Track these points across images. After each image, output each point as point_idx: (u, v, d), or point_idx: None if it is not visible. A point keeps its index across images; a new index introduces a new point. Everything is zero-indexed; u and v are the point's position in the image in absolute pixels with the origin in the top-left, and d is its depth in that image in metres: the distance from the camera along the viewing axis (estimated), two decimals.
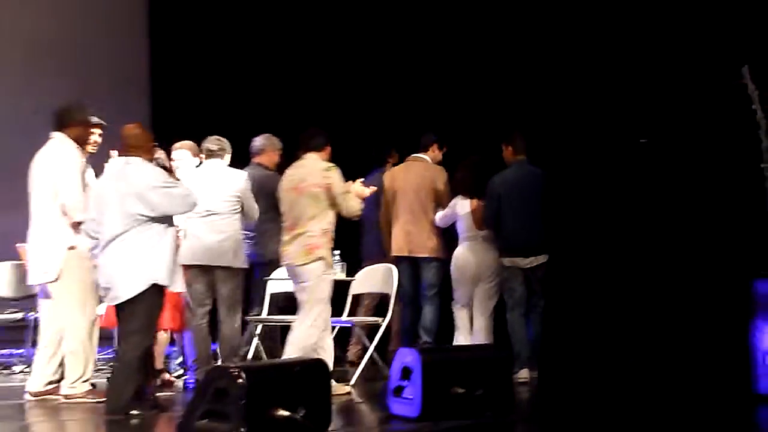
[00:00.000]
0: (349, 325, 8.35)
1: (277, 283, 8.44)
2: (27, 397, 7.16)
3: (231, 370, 5.38)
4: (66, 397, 7.06)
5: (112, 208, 6.51)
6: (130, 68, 12.27)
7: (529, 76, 10.31)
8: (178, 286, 7.30)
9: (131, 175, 6.54)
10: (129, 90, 12.16)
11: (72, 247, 7.07)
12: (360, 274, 8.51)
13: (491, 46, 10.61)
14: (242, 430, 5.21)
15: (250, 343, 8.41)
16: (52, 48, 12.10)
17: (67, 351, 7.07)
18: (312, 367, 5.83)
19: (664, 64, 9.52)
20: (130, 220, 6.47)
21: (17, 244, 8.79)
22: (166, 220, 6.60)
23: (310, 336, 6.98)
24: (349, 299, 8.47)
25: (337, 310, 7.74)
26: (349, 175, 7.31)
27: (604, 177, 9.76)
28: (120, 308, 6.60)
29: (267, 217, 7.98)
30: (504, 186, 8.22)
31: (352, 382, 7.69)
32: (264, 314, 8.53)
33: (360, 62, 11.26)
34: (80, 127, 7.32)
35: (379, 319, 8.09)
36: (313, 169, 7.18)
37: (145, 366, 6.65)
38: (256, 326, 8.48)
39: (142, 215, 6.47)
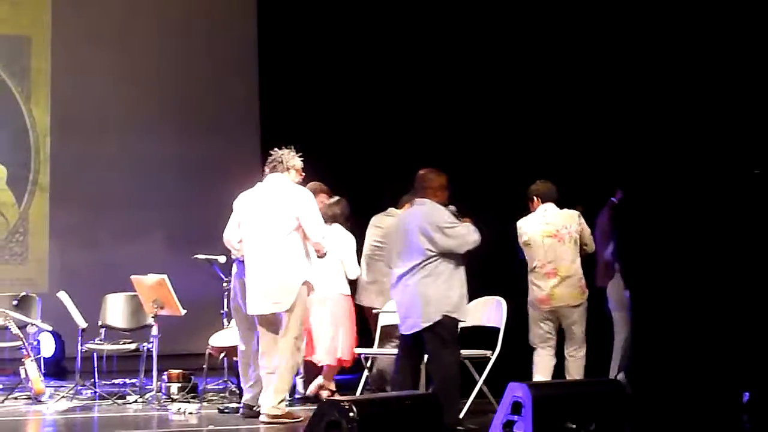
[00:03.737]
0: None
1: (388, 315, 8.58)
2: (263, 419, 7.46)
3: (342, 404, 5.47)
4: (269, 416, 7.39)
5: (405, 244, 7.05)
6: (241, 105, 12.55)
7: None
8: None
9: (422, 214, 7.01)
10: (239, 125, 12.49)
11: (305, 282, 7.49)
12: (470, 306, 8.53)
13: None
14: None
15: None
16: (164, 87, 12.49)
17: (278, 373, 7.45)
18: (423, 400, 5.91)
19: None
20: (422, 255, 6.95)
21: (132, 276, 9.04)
22: (456, 256, 7.02)
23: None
24: None
25: None
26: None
27: (715, 209, 9.60)
28: (420, 335, 7.06)
29: None
30: None
31: (461, 415, 7.69)
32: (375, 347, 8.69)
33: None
34: (296, 171, 7.77)
35: (488, 352, 8.09)
36: (568, 216, 7.98)
37: None
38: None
39: (431, 251, 6.93)
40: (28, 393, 8.80)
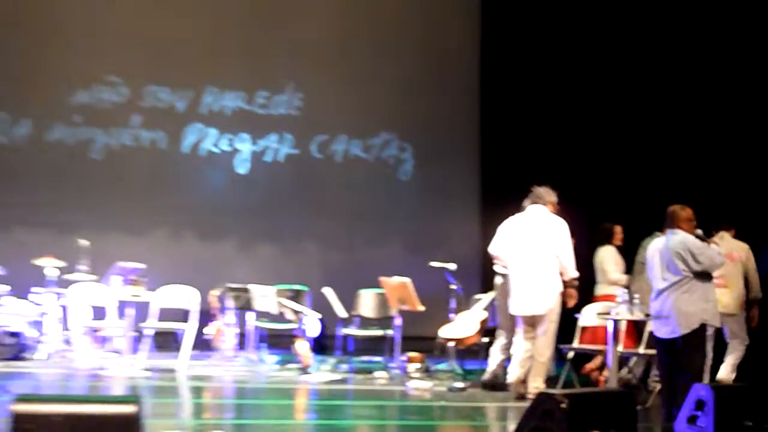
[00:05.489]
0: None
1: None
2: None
3: (556, 396, 5.48)
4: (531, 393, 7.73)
5: (665, 265, 7.20)
6: (463, 137, 12.22)
7: None
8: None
9: (678, 242, 7.17)
10: (462, 153, 12.19)
11: (561, 293, 8.00)
12: None
13: None
14: None
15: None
16: (391, 115, 12.29)
17: (539, 360, 7.87)
18: (620, 396, 5.88)
19: None
20: (679, 275, 7.12)
21: (380, 277, 9.30)
22: (706, 275, 7.16)
23: None
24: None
25: None
26: None
27: None
28: (675, 341, 7.18)
29: None
30: None
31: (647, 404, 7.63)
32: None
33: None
34: (552, 204, 8.21)
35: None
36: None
37: None
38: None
39: (686, 271, 7.10)
40: (299, 365, 9.15)
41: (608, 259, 9.10)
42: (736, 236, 8.67)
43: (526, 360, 7.95)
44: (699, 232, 7.33)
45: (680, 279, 7.11)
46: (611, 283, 8.91)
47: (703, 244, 7.22)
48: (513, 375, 7.99)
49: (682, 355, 7.18)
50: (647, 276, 7.58)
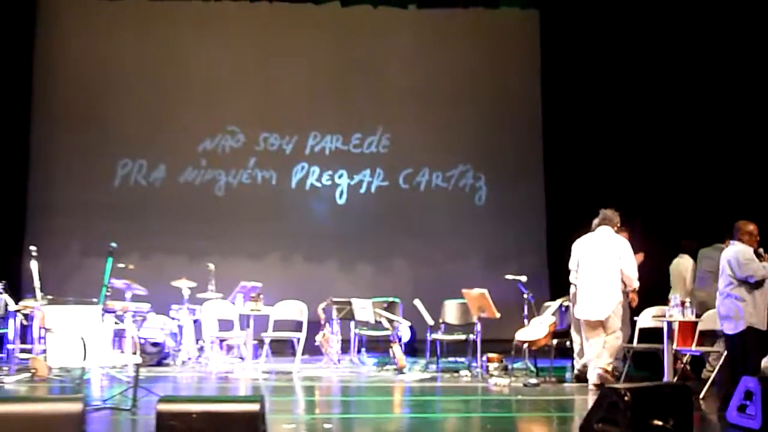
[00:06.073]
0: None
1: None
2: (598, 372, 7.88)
3: (620, 390, 5.41)
4: (600, 374, 7.85)
5: (722, 272, 7.20)
6: (529, 162, 12.09)
7: None
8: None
9: (734, 252, 7.14)
10: (527, 176, 12.04)
11: (619, 301, 8.03)
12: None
13: None
14: None
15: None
16: (467, 150, 12.21)
17: (607, 348, 7.94)
18: (678, 389, 5.75)
19: None
20: (729, 281, 7.09)
21: (462, 289, 9.27)
22: (759, 283, 7.04)
23: None
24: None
25: None
26: None
27: None
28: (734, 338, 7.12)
29: None
30: None
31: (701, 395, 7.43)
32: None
33: None
34: (616, 225, 8.28)
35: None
36: None
37: None
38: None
39: (732, 277, 7.08)
40: (394, 366, 9.17)
41: (688, 270, 9.05)
42: None
43: (596, 357, 7.92)
44: (761, 250, 7.20)
45: (730, 284, 7.05)
46: (688, 292, 8.80)
47: (752, 257, 7.06)
48: (588, 370, 8.07)
49: (737, 352, 7.05)
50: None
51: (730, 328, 7.07)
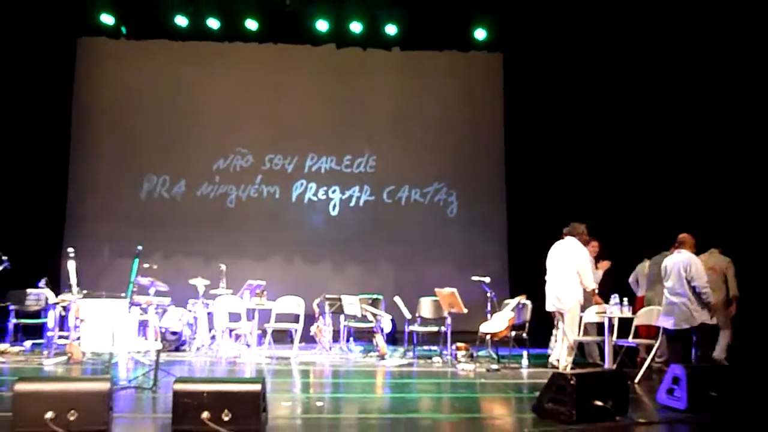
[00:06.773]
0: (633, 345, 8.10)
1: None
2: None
3: (567, 375, 5.39)
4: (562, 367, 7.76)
5: (673, 276, 7.29)
6: (493, 183, 12.03)
7: None
8: None
9: (681, 260, 7.27)
10: (492, 198, 12.02)
11: (578, 300, 8.04)
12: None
13: None
14: (573, 412, 5.22)
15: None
16: (441, 170, 12.18)
17: (565, 344, 7.88)
18: (616, 375, 5.72)
19: None
20: (681, 284, 7.20)
21: (435, 288, 9.16)
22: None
23: None
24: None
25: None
26: None
27: None
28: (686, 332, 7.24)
29: None
30: None
31: (636, 380, 7.40)
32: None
33: None
34: (580, 236, 8.25)
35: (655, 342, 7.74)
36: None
37: None
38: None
39: (687, 280, 7.19)
40: (377, 353, 9.05)
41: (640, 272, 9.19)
42: (723, 252, 8.50)
43: (559, 344, 8.01)
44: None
45: (683, 287, 7.16)
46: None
47: (698, 263, 7.20)
48: (553, 356, 8.16)
49: (671, 343, 7.17)
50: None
51: (673, 324, 7.14)
